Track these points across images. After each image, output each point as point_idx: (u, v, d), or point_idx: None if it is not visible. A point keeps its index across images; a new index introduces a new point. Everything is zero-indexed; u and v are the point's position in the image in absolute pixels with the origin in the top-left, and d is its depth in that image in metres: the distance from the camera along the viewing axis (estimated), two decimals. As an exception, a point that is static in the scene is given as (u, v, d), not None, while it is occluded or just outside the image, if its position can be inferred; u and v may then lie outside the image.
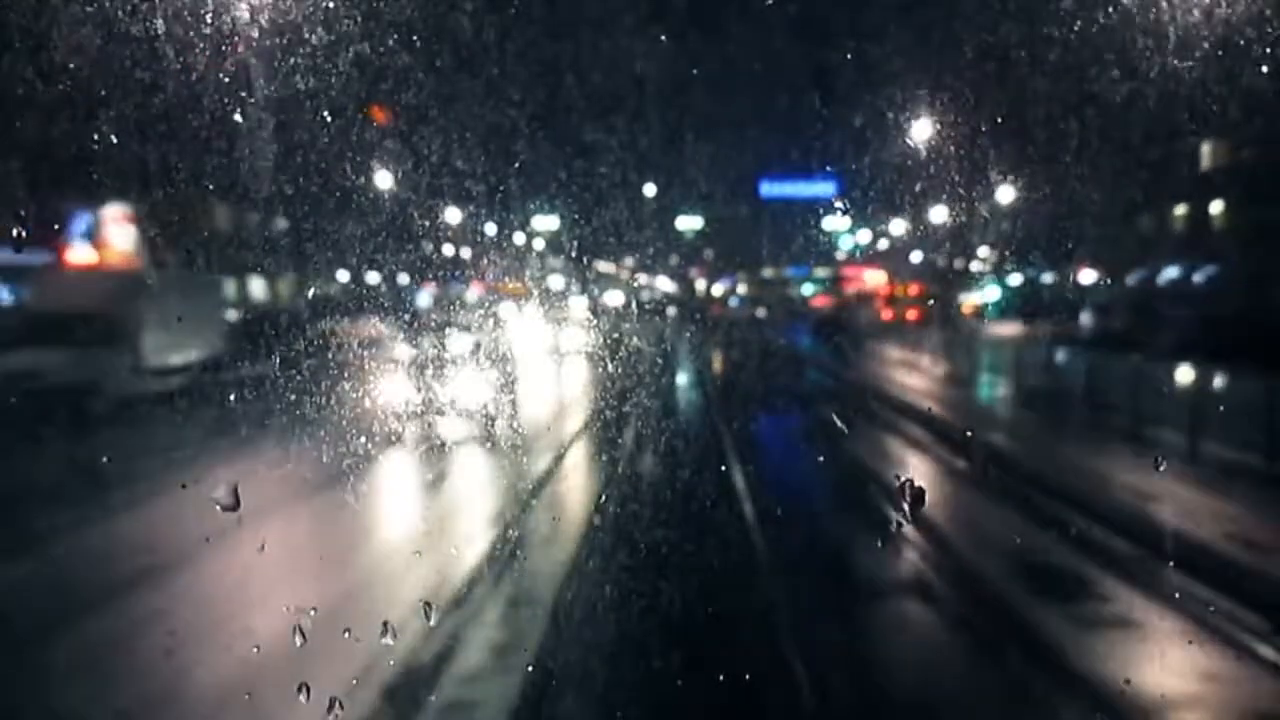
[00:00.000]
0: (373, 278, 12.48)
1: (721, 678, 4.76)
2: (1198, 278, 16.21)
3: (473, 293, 13.37)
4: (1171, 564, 7.14)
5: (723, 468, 10.06)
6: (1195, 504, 8.53)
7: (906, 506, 4.94)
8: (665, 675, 4.89)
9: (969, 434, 11.73)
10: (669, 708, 4.71)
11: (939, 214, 23.50)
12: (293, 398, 5.49)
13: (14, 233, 6.33)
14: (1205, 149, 15.38)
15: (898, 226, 27.75)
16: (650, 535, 6.68)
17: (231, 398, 6.87)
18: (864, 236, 30.69)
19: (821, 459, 10.63)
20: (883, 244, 30.37)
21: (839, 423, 11.48)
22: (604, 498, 8.76)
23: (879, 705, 5.27)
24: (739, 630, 5.93)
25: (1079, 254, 19.42)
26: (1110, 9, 7.87)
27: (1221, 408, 10.11)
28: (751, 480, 9.74)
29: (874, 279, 36.07)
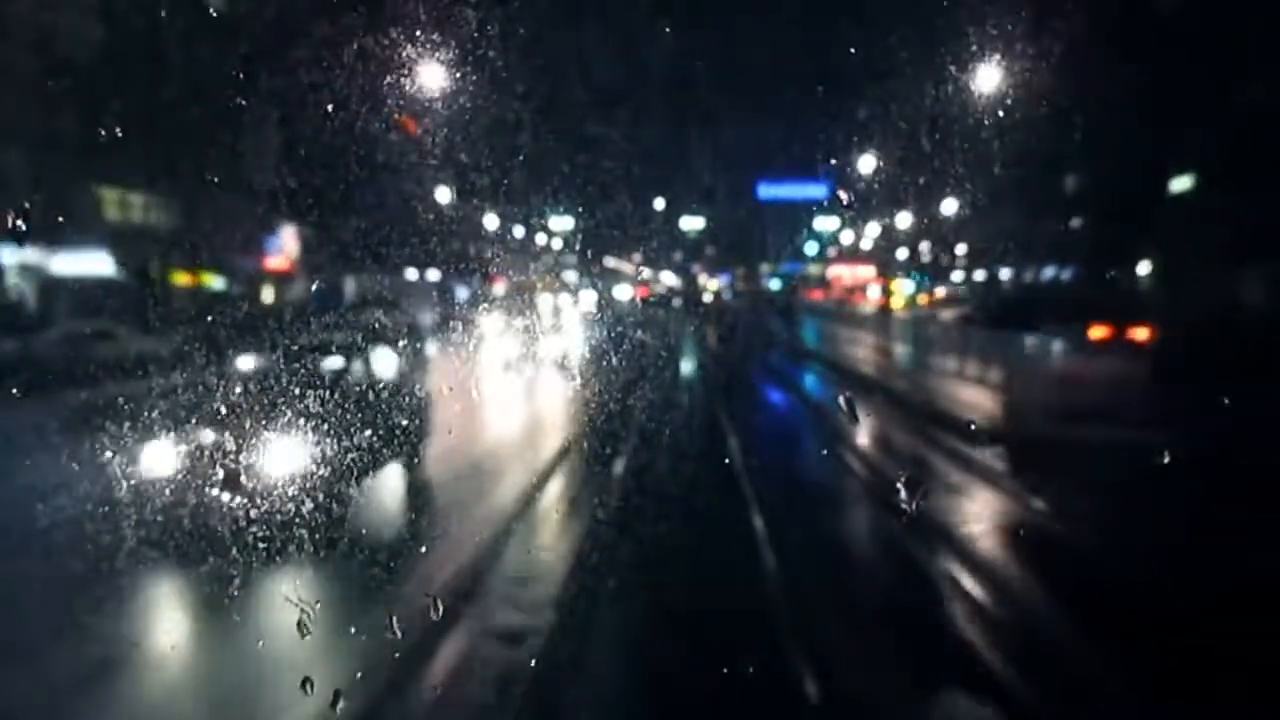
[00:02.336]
0: (411, 273, 14.07)
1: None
2: (1065, 276, 21.06)
3: (498, 288, 13.70)
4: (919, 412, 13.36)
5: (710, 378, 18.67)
6: (946, 393, 15.06)
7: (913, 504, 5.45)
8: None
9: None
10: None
11: (904, 219, 27.40)
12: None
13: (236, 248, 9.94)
14: (1068, 179, 19.49)
15: (875, 228, 31.42)
16: (675, 398, 13.47)
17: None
18: (848, 237, 34.40)
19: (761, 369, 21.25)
20: (866, 243, 34.00)
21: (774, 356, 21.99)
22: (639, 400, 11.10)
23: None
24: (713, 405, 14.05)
25: (999, 254, 24.06)
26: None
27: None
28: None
29: (864, 273, 39.53)
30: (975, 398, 14.09)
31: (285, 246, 11.36)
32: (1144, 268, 18.23)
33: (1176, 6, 13.76)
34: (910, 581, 7.17)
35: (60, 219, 8.57)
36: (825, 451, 11.43)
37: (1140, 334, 12.88)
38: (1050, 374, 11.95)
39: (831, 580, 7.06)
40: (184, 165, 8.97)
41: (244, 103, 8.70)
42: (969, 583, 6.96)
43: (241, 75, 7.98)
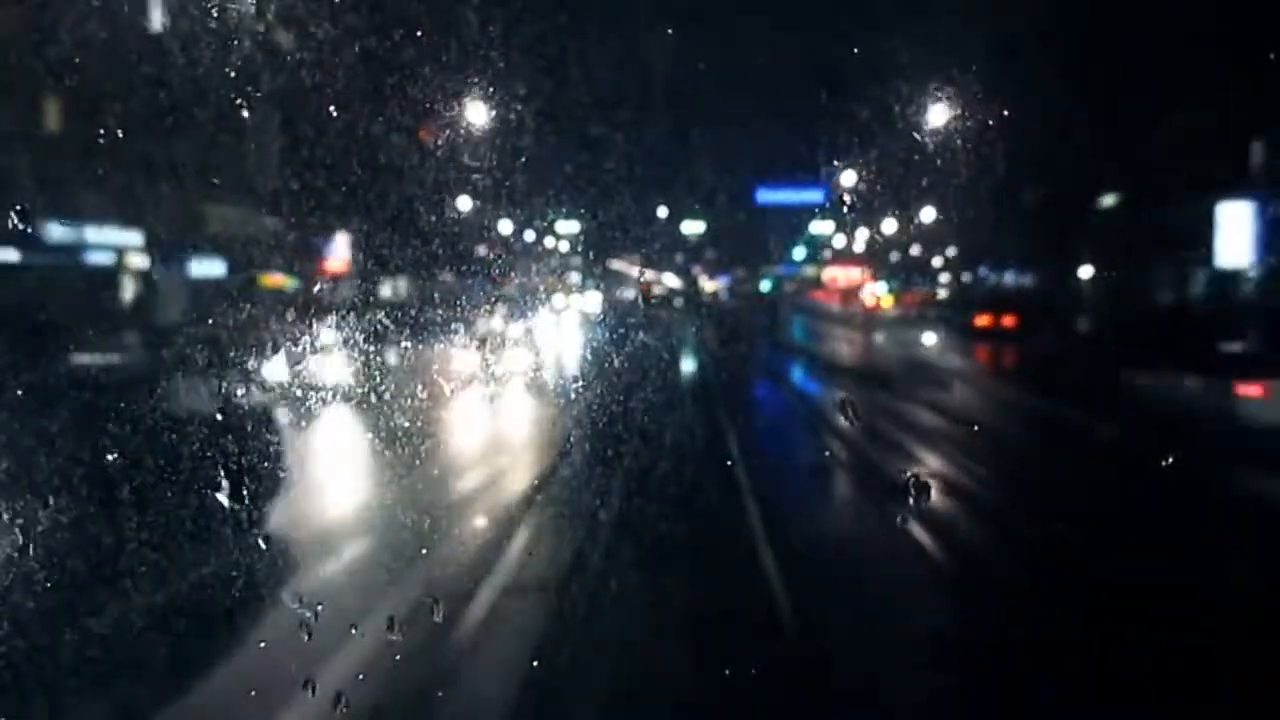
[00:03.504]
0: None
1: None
2: (1024, 279, 23.57)
3: (510, 289, 14.05)
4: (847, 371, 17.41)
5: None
6: (872, 362, 19.36)
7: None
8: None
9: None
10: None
11: (890, 225, 29.39)
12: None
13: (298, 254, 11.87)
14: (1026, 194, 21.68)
15: (865, 233, 33.43)
16: (677, 365, 15.21)
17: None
18: (842, 240, 36.28)
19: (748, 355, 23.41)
20: (859, 246, 35.97)
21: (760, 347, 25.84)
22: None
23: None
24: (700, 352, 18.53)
25: (974, 259, 26.46)
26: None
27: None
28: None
29: (857, 275, 41.56)
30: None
31: (340, 252, 13.29)
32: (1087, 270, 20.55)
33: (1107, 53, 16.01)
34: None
35: (186, 233, 10.58)
36: (781, 390, 18.35)
37: (1009, 320, 16.83)
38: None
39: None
40: (263, 184, 10.81)
41: (306, 133, 10.43)
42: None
43: (297, 107, 9.77)
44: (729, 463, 10.97)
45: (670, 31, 13.05)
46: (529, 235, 19.05)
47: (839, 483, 11.65)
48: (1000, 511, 9.76)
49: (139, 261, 13.34)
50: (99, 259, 13.26)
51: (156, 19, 9.33)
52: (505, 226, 16.26)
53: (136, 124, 8.83)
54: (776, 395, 19.27)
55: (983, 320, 18.49)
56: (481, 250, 13.40)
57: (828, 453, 12.33)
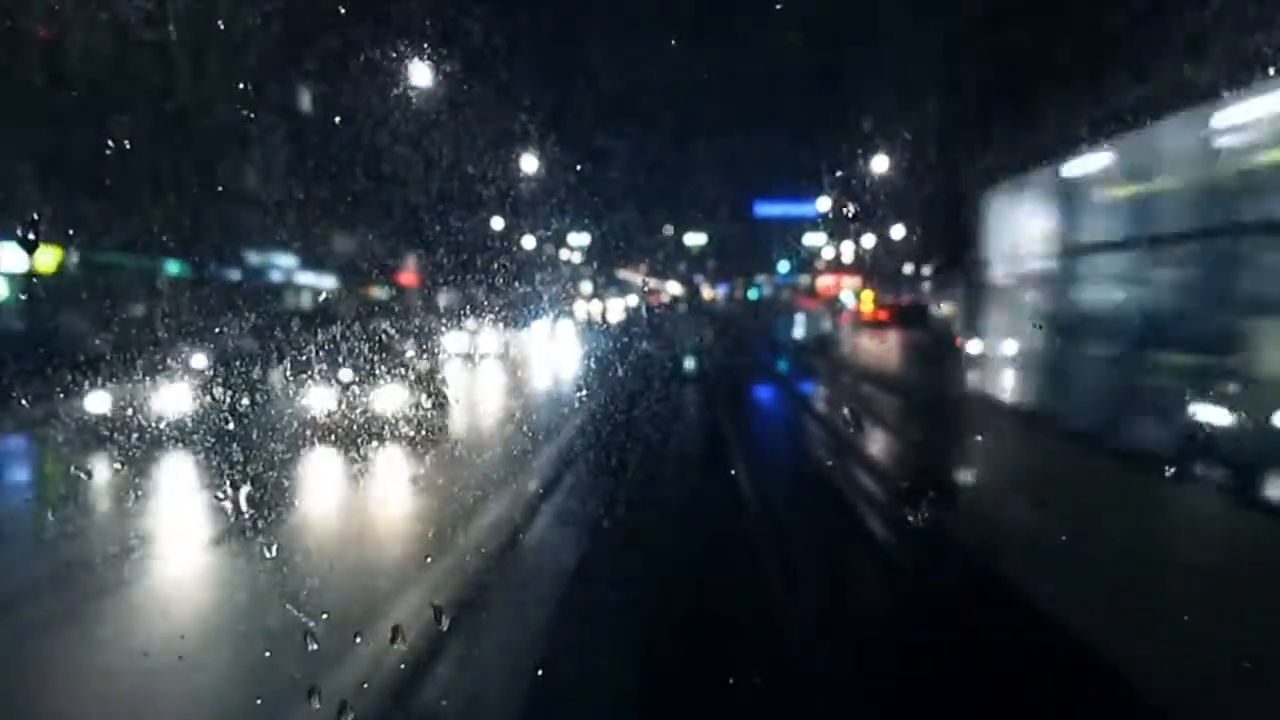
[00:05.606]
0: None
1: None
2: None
3: (531, 295, 14.34)
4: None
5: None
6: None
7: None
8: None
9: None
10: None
11: (869, 240, 32.63)
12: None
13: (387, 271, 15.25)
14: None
15: (855, 243, 36.66)
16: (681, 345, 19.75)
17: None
18: (829, 252, 39.50)
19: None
20: (847, 258, 39.21)
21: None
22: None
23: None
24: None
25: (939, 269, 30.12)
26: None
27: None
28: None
29: (850, 284, 44.84)
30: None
31: (411, 266, 16.59)
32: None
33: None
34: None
35: (316, 254, 14.08)
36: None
37: (882, 315, 25.64)
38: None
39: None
40: (356, 212, 14.13)
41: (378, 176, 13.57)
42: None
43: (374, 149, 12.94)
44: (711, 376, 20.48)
45: (674, 42, 13.32)
46: (548, 250, 20.47)
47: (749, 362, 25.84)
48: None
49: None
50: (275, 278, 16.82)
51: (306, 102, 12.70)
52: (529, 242, 18.13)
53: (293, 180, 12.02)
54: (745, 356, 27.99)
55: (869, 314, 28.23)
56: (508, 263, 13.54)
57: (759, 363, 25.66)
